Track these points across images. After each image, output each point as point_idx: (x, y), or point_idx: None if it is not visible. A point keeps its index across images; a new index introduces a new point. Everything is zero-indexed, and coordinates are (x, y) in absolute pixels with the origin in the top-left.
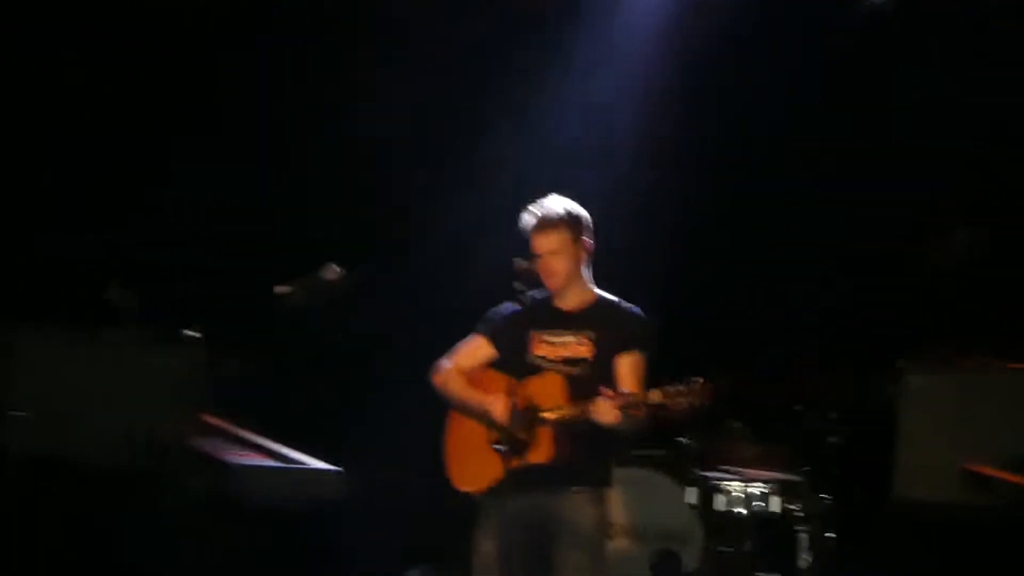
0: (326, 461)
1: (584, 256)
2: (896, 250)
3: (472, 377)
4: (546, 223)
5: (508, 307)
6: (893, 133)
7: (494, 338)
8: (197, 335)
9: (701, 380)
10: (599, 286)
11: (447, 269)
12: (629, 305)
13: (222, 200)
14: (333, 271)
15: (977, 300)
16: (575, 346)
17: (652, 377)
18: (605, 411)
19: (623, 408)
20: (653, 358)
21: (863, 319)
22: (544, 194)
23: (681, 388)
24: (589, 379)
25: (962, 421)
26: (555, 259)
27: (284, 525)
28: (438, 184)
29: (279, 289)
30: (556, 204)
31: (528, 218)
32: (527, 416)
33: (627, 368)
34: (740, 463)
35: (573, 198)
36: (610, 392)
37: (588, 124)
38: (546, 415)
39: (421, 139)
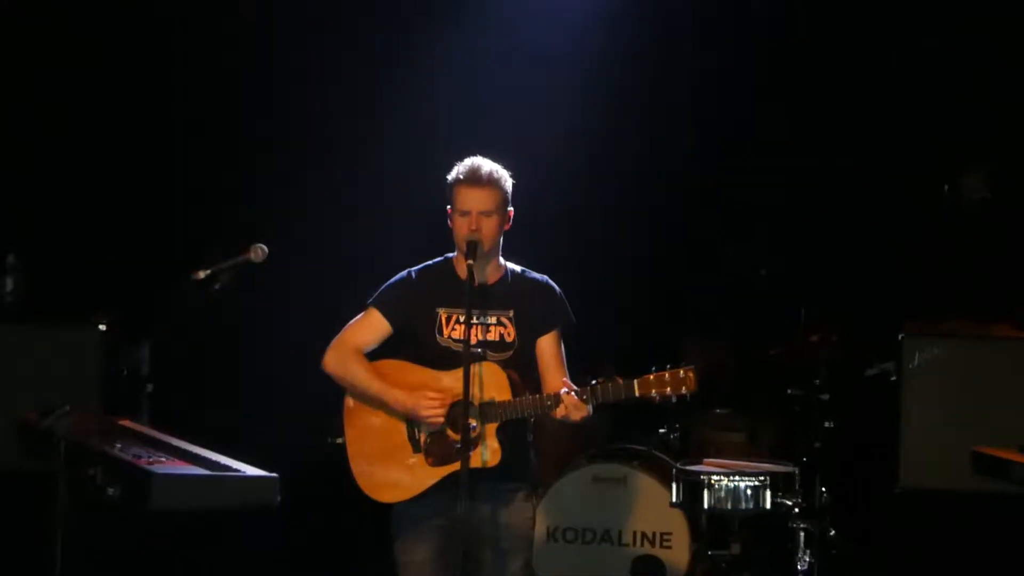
0: (256, 464)
1: (506, 226)
2: (889, 210)
3: (380, 368)
4: (483, 178)
5: (403, 276)
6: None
7: (389, 313)
8: (102, 324)
9: (689, 369)
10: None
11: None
12: (537, 274)
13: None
14: (260, 251)
15: (982, 262)
16: (497, 327)
17: (625, 358)
18: (576, 408)
19: (596, 404)
20: (576, 334)
21: (856, 286)
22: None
23: (665, 378)
24: (517, 367)
25: (971, 397)
26: (489, 220)
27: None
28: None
29: (197, 274)
30: (489, 164)
31: (462, 170)
32: (480, 415)
33: (554, 351)
34: (727, 455)
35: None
36: (569, 384)
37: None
38: (497, 414)
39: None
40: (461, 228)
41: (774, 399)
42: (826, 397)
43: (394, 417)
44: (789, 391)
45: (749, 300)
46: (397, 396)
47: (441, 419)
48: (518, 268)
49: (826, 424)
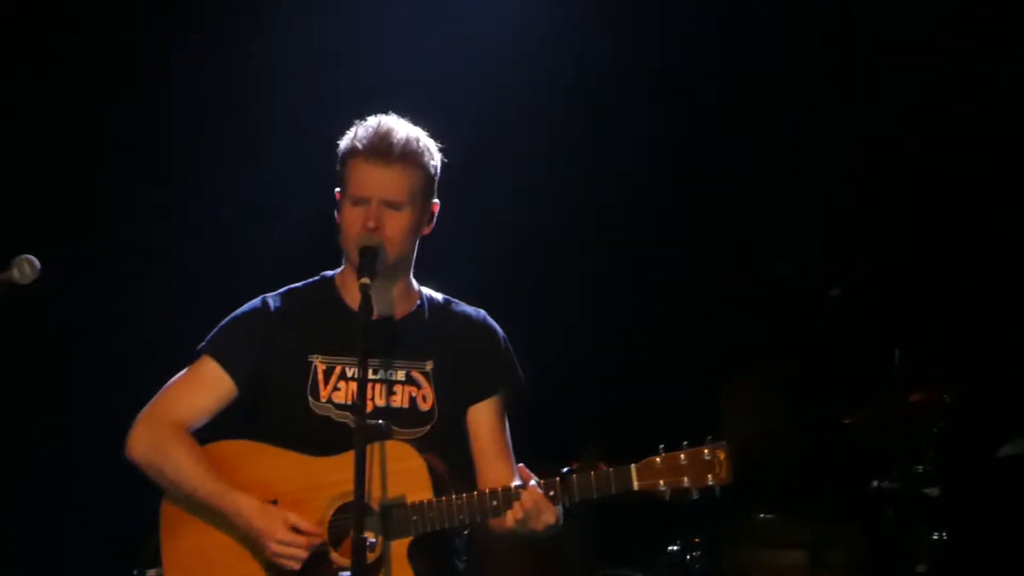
0: None
1: (426, 228)
2: None
3: (216, 455)
4: (394, 149)
5: (255, 305)
6: None
7: (232, 363)
8: None
9: (719, 448)
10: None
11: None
12: (469, 307)
13: None
14: (28, 267)
15: None
16: (407, 387)
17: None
18: (540, 511)
19: (572, 505)
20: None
21: (982, 316)
22: None
23: (680, 461)
24: (440, 449)
25: None
26: (397, 216)
27: None
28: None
29: None
30: (405, 127)
31: (362, 134)
32: (382, 525)
33: (494, 426)
34: None
35: None
36: (528, 473)
37: None
38: (410, 523)
39: None
40: (352, 225)
41: (852, 495)
42: (935, 492)
43: (239, 534)
44: (876, 483)
45: (813, 337)
46: (240, 508)
47: (298, 565)
48: (439, 296)
49: (934, 535)
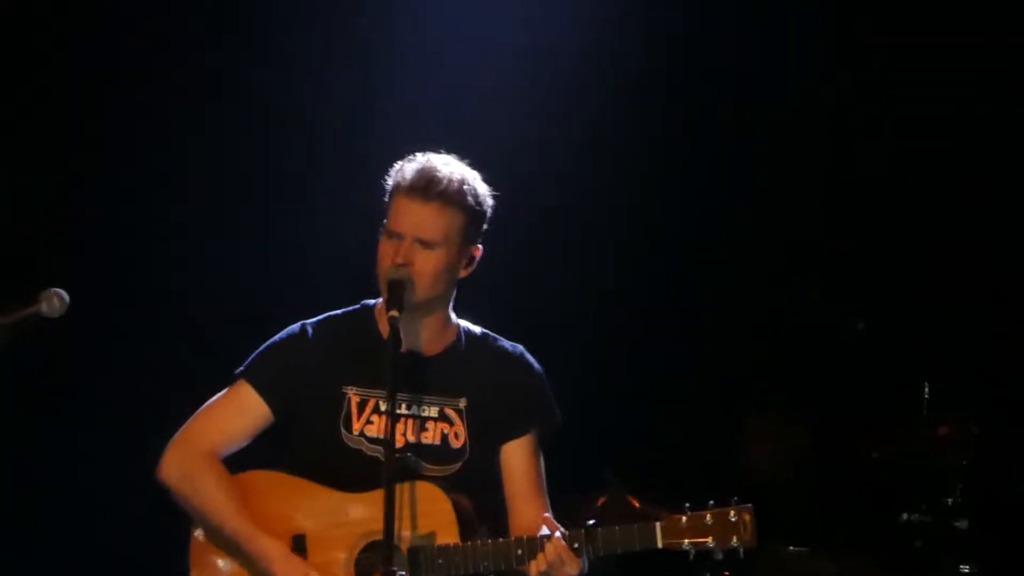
0: None
1: (463, 271)
2: None
3: (246, 486)
4: (434, 188)
5: (293, 331)
6: None
7: (268, 390)
8: None
9: (745, 510)
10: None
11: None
12: (508, 343)
13: None
14: (57, 300)
15: None
16: (439, 424)
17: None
18: (564, 562)
19: (593, 555)
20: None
21: (1011, 349)
22: None
23: (705, 521)
24: (469, 489)
25: None
26: (429, 254)
27: None
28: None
29: None
30: (458, 170)
31: (408, 171)
32: (409, 567)
33: (528, 467)
34: None
35: None
36: (553, 523)
37: None
38: (436, 567)
39: None
40: (384, 257)
41: (880, 528)
42: (963, 525)
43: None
44: (904, 516)
45: (839, 370)
46: (263, 553)
47: None
48: (477, 330)
49: (963, 568)
